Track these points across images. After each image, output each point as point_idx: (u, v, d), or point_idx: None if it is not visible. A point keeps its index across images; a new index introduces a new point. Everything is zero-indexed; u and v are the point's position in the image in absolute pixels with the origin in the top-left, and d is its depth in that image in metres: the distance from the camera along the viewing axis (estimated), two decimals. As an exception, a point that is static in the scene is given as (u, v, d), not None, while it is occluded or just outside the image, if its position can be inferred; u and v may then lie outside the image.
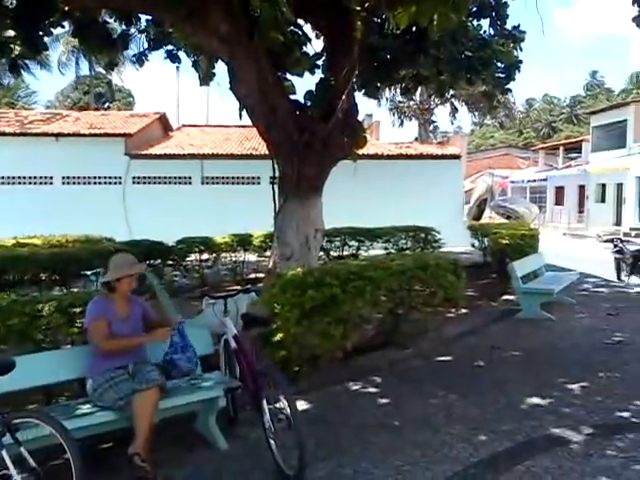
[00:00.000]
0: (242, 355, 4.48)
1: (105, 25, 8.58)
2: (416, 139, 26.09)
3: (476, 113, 26.07)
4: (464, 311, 9.83)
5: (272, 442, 4.16)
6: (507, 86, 13.80)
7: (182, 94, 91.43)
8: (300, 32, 9.72)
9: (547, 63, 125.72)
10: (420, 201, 20.23)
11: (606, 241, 16.00)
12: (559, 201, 36.70)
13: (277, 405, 4.12)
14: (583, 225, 32.40)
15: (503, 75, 13.24)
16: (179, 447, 4.62)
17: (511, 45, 12.84)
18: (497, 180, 41.81)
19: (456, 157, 21.67)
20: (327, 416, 5.26)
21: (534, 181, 39.12)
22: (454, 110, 25.79)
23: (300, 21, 9.48)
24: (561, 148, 39.35)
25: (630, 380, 6.00)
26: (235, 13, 7.12)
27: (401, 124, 26.42)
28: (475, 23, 12.78)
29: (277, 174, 8.75)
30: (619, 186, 30.29)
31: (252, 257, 13.66)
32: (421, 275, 7.20)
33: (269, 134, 8.63)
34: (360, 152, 21.89)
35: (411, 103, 25.42)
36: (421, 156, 21.61)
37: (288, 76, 9.66)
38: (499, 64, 13.11)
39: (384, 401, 5.63)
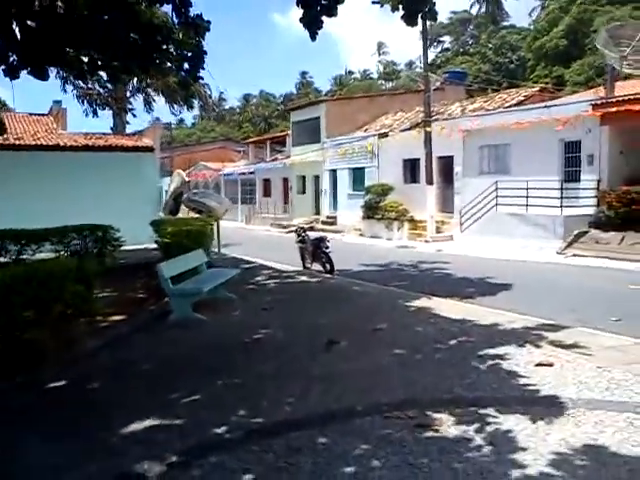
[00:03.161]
0: None
1: None
2: (111, 129, 24.39)
3: (175, 105, 25.40)
4: (119, 318, 8.96)
5: None
6: (199, 74, 13.37)
7: None
8: None
9: (265, 61, 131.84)
10: (112, 196, 18.65)
11: (289, 232, 16.39)
12: (267, 193, 38.15)
13: None
14: (288, 215, 34.09)
15: (190, 64, 12.77)
16: None
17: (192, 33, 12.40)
18: (205, 172, 41.98)
19: (149, 149, 20.58)
20: None
21: (244, 174, 40.05)
22: (149, 100, 24.68)
23: None
24: (268, 142, 40.98)
25: (245, 385, 5.63)
26: None
27: (95, 113, 24.45)
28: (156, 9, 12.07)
29: None
30: (316, 178, 32.48)
31: None
32: (25, 290, 6.00)
33: None
34: (36, 142, 19.22)
35: (102, 90, 23.66)
36: (110, 148, 20.01)
37: None
38: (186, 53, 12.65)
39: None
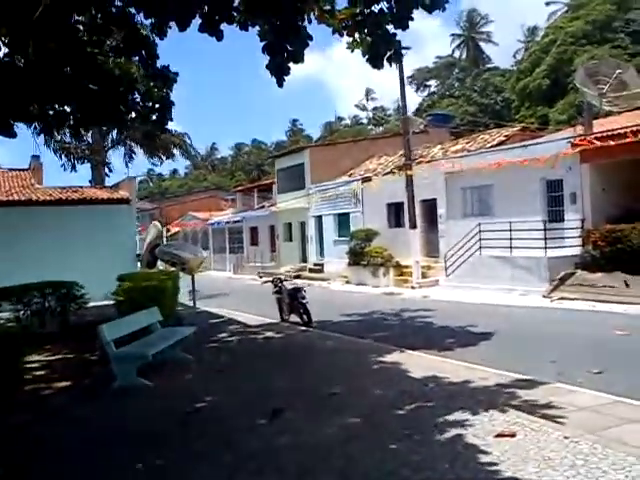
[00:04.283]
0: None
1: None
2: (90, 182, 24.03)
3: (153, 156, 25.17)
4: (63, 384, 8.38)
5: None
6: (165, 125, 13.38)
7: None
8: None
9: (257, 110, 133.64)
10: (86, 250, 18.17)
11: (266, 282, 15.79)
12: (255, 241, 37.62)
13: None
14: (275, 264, 33.51)
15: (158, 115, 12.66)
16: None
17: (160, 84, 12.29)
18: (194, 222, 41.60)
19: (125, 201, 20.14)
20: None
21: (232, 222, 39.64)
22: (130, 152, 24.38)
23: None
24: (255, 190, 40.70)
25: (166, 469, 4.92)
26: None
27: (73, 167, 24.12)
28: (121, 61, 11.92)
29: None
30: (302, 225, 32.02)
31: None
32: None
33: None
34: (7, 198, 18.75)
35: (79, 144, 23.37)
36: (84, 201, 19.56)
37: None
38: (152, 104, 12.57)
39: None
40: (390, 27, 9.37)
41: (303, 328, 12.97)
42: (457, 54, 62.54)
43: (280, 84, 9.64)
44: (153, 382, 7.79)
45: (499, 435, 4.93)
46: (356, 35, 9.77)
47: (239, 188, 46.63)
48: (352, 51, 10.36)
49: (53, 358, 10.67)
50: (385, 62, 9.77)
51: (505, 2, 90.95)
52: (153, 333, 8.96)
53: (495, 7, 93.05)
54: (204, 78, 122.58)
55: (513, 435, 4.92)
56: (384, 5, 9.09)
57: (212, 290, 25.86)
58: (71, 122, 12.24)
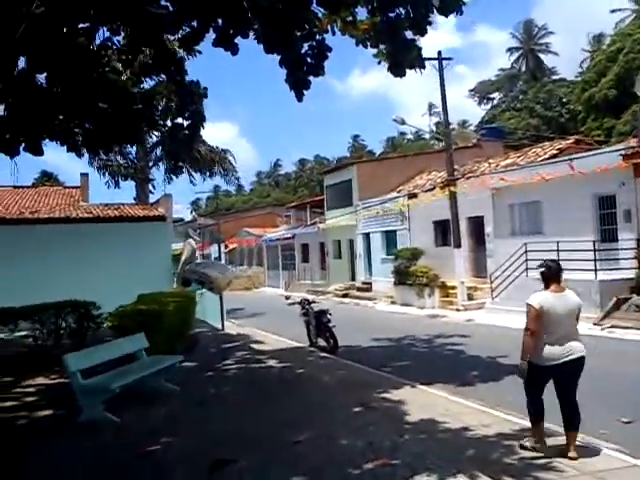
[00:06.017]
0: None
1: None
2: (134, 199, 24.27)
3: (197, 174, 25.41)
4: (44, 413, 8.03)
5: None
6: (194, 142, 13.20)
7: None
8: None
9: (322, 126, 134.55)
10: (120, 268, 18.06)
11: (292, 304, 15.13)
12: (306, 258, 37.10)
13: None
14: (325, 282, 32.83)
15: (188, 131, 12.60)
16: None
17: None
18: (248, 239, 41.59)
19: (161, 219, 20.02)
20: None
21: (283, 239, 39.34)
22: (173, 169, 24.34)
23: None
24: (308, 206, 40.23)
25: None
26: None
27: (117, 184, 24.45)
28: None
29: None
30: (351, 242, 31.22)
31: None
32: None
33: None
34: (49, 216, 18.99)
35: (122, 161, 23.68)
36: (120, 218, 19.58)
37: None
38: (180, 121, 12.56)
39: None
40: (409, 34, 8.90)
41: (324, 354, 12.31)
42: (517, 67, 60.60)
43: (300, 98, 9.13)
44: (122, 417, 7.23)
45: (454, 513, 4.04)
46: (380, 46, 9.27)
47: (293, 204, 46.37)
48: (379, 62, 9.74)
49: (54, 382, 10.36)
50: (408, 69, 9.22)
51: (570, 12, 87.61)
52: (135, 362, 8.44)
53: (560, 18, 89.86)
54: (272, 93, 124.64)
55: (471, 514, 4.01)
56: (401, 10, 8.58)
57: (257, 309, 25.49)
58: (92, 140, 12.15)
